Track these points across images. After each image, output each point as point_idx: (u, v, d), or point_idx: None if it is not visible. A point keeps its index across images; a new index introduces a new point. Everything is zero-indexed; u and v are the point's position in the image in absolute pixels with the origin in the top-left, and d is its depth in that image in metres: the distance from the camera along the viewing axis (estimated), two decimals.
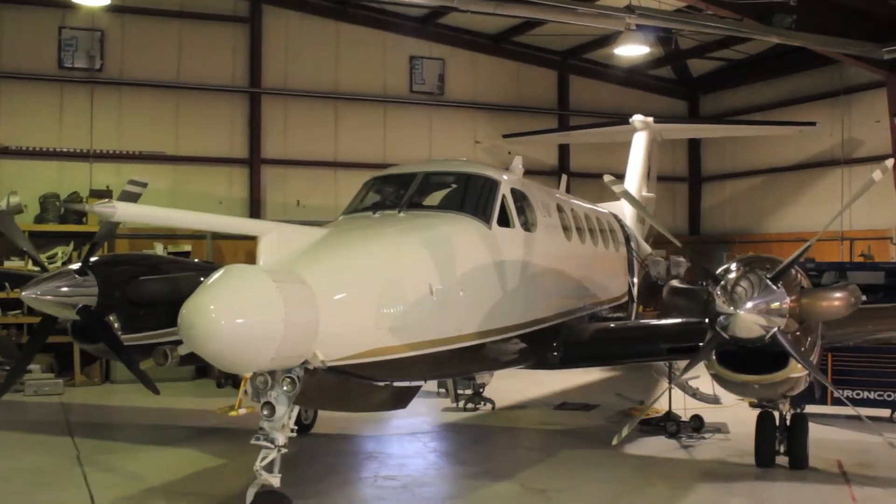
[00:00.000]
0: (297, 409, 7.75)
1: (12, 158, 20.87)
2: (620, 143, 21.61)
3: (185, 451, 12.85)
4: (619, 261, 15.64)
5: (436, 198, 10.72)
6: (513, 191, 10.98)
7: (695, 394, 15.32)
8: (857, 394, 14.93)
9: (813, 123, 22.08)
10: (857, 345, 14.53)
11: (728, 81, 27.71)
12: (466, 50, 25.62)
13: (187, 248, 20.77)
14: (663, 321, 13.23)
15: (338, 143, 24.02)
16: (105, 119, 21.57)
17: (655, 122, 21.39)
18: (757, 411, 12.07)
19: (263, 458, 7.60)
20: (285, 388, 7.55)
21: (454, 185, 10.79)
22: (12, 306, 19.19)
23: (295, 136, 23.63)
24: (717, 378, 9.46)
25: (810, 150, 24.67)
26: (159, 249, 20.28)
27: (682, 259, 16.61)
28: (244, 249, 20.62)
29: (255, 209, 22.62)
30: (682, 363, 10.60)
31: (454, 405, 16.35)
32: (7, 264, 18.86)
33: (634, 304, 16.02)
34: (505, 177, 11.02)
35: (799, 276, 8.97)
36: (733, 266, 8.90)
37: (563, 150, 26.82)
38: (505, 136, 24.52)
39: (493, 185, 10.59)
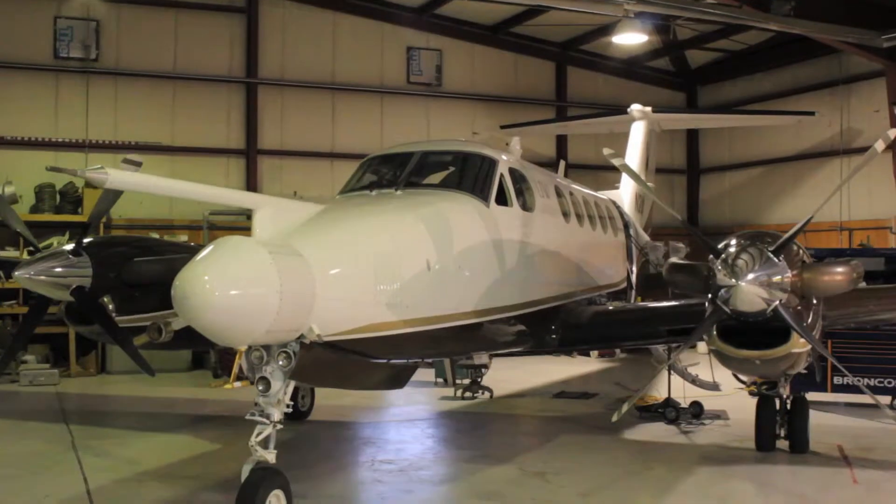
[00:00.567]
0: (292, 384, 7.61)
1: (8, 148, 20.75)
2: (618, 135, 21.49)
3: (181, 436, 12.77)
4: (617, 247, 15.55)
5: (433, 177, 10.61)
6: (511, 170, 10.89)
7: (694, 380, 15.25)
8: (858, 381, 14.81)
9: (812, 113, 22.01)
10: (856, 332, 14.48)
11: (726, 72, 27.60)
12: (464, 41, 25.49)
13: (184, 238, 20.65)
14: (663, 303, 13.15)
15: (335, 134, 23.91)
16: (101, 109, 21.45)
17: (654, 111, 21.31)
18: (756, 399, 12.02)
19: (258, 434, 7.48)
20: (281, 363, 7.42)
21: (452, 164, 10.69)
22: (7, 297, 19.11)
23: (292, 126, 23.51)
24: (717, 355, 9.34)
25: (809, 140, 24.59)
26: None
27: (681, 245, 16.51)
28: None
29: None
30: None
31: (452, 395, 16.26)
32: (1, 254, 18.73)
33: (633, 292, 15.92)
34: (504, 157, 10.93)
35: (801, 251, 8.88)
36: (734, 240, 8.80)
37: (561, 142, 26.71)
38: (502, 127, 24.38)
39: (491, 163, 10.50)
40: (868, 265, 15.88)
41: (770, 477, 10.63)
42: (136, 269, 10.85)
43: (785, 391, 11.67)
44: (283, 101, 23.48)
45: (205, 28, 22.73)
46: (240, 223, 20.23)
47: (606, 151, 9.76)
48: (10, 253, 18.75)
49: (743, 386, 16.46)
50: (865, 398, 14.74)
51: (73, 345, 19.10)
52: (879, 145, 8.50)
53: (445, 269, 8.83)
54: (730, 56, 26.97)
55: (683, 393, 14.50)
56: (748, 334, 8.90)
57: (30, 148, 20.91)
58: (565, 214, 12.62)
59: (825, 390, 14.92)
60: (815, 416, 12.14)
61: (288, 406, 7.61)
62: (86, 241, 10.86)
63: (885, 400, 14.80)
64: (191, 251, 11.52)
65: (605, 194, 16.85)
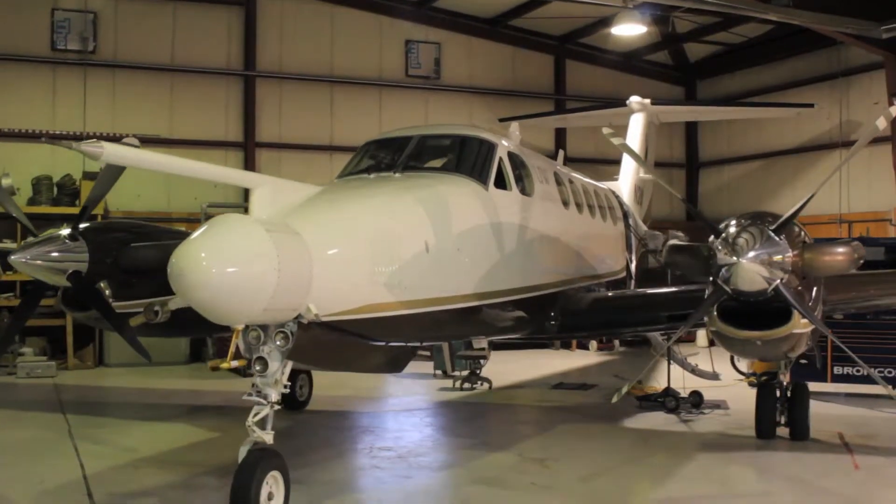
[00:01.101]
0: (290, 365, 7.54)
1: (5, 141, 20.65)
2: (617, 127, 21.35)
3: (179, 425, 12.72)
4: (617, 236, 15.49)
5: (432, 160, 10.52)
6: (510, 154, 10.84)
7: (694, 370, 15.21)
8: (858, 370, 14.80)
9: (811, 105, 21.95)
10: (857, 321, 14.43)
11: (725, 66, 27.52)
12: (462, 34, 25.42)
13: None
14: (662, 289, 13.09)
15: (333, 126, 23.84)
16: (98, 102, 21.35)
17: (653, 104, 21.23)
18: (756, 389, 11.97)
19: (256, 415, 7.41)
20: (278, 342, 7.36)
21: (451, 148, 10.59)
22: (4, 289, 19.03)
23: (290, 119, 23.44)
24: (718, 336, 9.28)
25: (808, 133, 24.53)
26: None
27: (680, 234, 16.47)
28: None
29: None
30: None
31: (451, 386, 16.21)
32: None
33: (633, 282, 15.86)
34: (503, 141, 10.88)
35: (801, 232, 8.82)
36: (734, 220, 8.74)
37: (560, 136, 26.67)
38: (501, 120, 24.27)
39: (490, 147, 10.44)
40: (868, 255, 15.90)
41: (771, 462, 10.59)
42: (134, 254, 10.77)
43: (785, 378, 11.63)
44: (282, 93, 23.41)
45: (203, 20, 22.65)
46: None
47: (606, 131, 9.69)
48: (8, 245, 18.67)
49: (742, 377, 16.46)
50: (865, 388, 14.81)
51: (70, 337, 19.01)
52: (881, 122, 8.43)
53: (444, 251, 8.77)
54: (729, 49, 26.88)
55: (683, 384, 14.47)
56: (749, 317, 8.85)
57: (27, 140, 20.79)
58: (565, 201, 12.56)
59: (825, 380, 14.89)
60: (815, 406, 12.10)
61: (285, 387, 7.52)
62: (82, 225, 10.78)
63: (885, 390, 14.77)
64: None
65: (604, 185, 16.78)
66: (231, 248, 6.58)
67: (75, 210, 18.86)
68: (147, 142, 21.29)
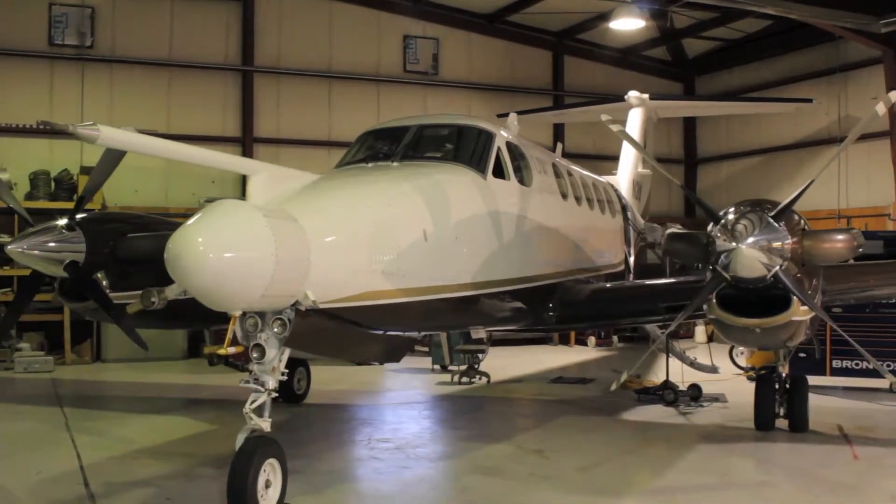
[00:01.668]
0: (287, 352, 7.49)
1: (2, 135, 20.62)
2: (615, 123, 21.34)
3: (176, 418, 12.70)
4: (615, 229, 15.46)
5: (430, 150, 10.47)
6: (508, 144, 10.81)
7: (692, 363, 15.18)
8: (857, 364, 14.81)
9: (809, 100, 21.88)
10: (856, 315, 14.40)
11: (724, 62, 27.53)
12: (461, 29, 25.42)
13: None
14: (661, 280, 13.05)
15: (331, 122, 23.82)
16: (96, 96, 21.32)
17: (651, 98, 21.19)
18: (755, 382, 11.94)
19: (253, 402, 7.35)
20: (276, 329, 7.30)
21: (449, 137, 10.54)
22: (2, 284, 18.98)
23: (288, 115, 23.43)
24: (716, 324, 9.23)
25: (807, 129, 24.53)
26: None
27: (678, 227, 16.43)
28: None
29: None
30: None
31: (449, 380, 16.19)
32: None
33: (631, 276, 15.83)
34: (502, 131, 10.85)
35: (801, 220, 8.78)
36: (733, 207, 8.70)
37: (558, 132, 26.61)
38: (499, 116, 24.22)
39: (488, 136, 10.41)
40: (867, 248, 15.88)
41: (770, 453, 10.56)
42: (131, 244, 10.74)
43: (784, 370, 11.60)
44: (280, 89, 23.40)
45: (201, 15, 22.63)
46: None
47: (605, 118, 9.66)
48: (5, 240, 18.61)
49: (741, 372, 16.46)
50: (864, 381, 14.79)
51: (67, 332, 18.98)
52: (881, 108, 8.40)
53: (442, 240, 8.73)
54: (727, 45, 26.89)
55: (682, 377, 14.45)
56: (748, 306, 8.81)
57: (24, 135, 20.77)
58: (563, 193, 12.52)
59: (824, 373, 14.86)
60: (814, 399, 12.04)
61: (283, 374, 7.48)
62: (79, 216, 10.73)
63: (884, 384, 14.76)
64: None
65: (603, 178, 16.74)
66: (228, 233, 6.53)
67: (72, 205, 18.87)
68: None
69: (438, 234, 8.65)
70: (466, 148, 10.16)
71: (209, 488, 8.50)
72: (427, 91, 25.01)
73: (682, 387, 13.95)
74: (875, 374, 14.27)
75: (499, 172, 10.31)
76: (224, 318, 7.17)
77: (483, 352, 16.25)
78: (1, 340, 12.20)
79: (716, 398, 14.07)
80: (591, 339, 22.93)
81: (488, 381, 16.12)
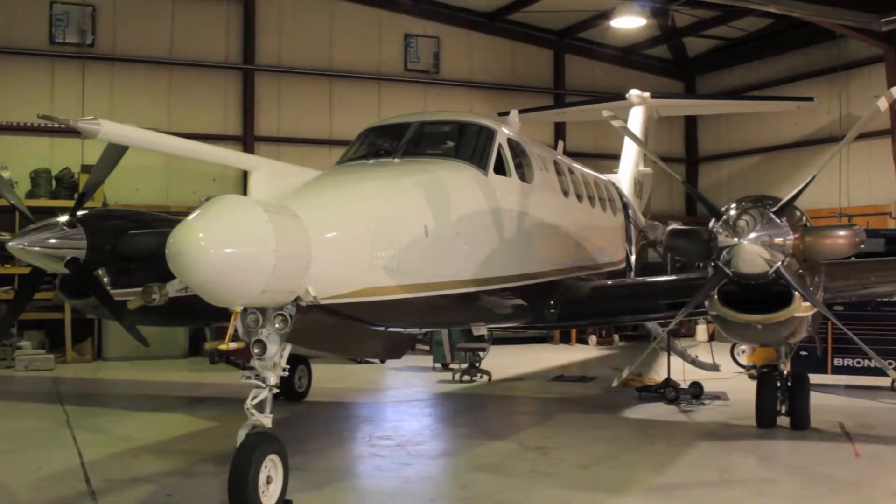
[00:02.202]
0: (288, 348, 7.48)
1: (3, 134, 20.62)
2: None
3: (177, 415, 12.68)
4: (616, 227, 15.46)
5: (432, 146, 10.46)
6: (510, 141, 10.81)
7: (694, 361, 15.17)
8: (858, 362, 14.80)
9: (811, 98, 21.85)
10: (858, 313, 14.37)
11: (725, 61, 27.50)
12: (462, 28, 25.42)
13: None
14: (662, 277, 13.04)
15: (332, 120, 23.82)
16: (97, 94, 21.30)
17: (652, 97, 21.18)
18: (757, 380, 11.93)
19: (254, 398, 7.34)
20: (277, 325, 7.29)
21: (450, 134, 10.54)
22: (3, 283, 18.97)
23: (289, 113, 23.42)
24: (718, 320, 9.22)
25: (808, 127, 24.52)
26: None
27: (678, 224, 16.40)
28: None
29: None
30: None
31: (451, 378, 16.18)
32: None
33: (632, 274, 15.82)
34: (503, 128, 10.84)
35: (803, 216, 8.77)
36: (735, 203, 8.68)
37: (559, 130, 26.60)
38: (500, 115, 24.22)
39: (489, 133, 10.41)
40: (868, 246, 15.87)
41: (771, 451, 10.54)
42: (132, 241, 10.72)
43: (785, 368, 11.59)
44: (281, 87, 23.39)
45: (201, 14, 22.62)
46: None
47: (606, 113, 9.65)
48: (6, 237, 18.60)
49: (743, 370, 16.46)
50: (866, 380, 14.79)
51: (68, 330, 18.97)
52: (882, 103, 8.38)
53: (443, 236, 8.73)
54: (728, 44, 26.86)
55: (683, 376, 14.44)
56: (750, 302, 8.79)
57: (25, 133, 20.78)
58: (565, 191, 12.52)
59: (825, 371, 14.85)
60: (815, 397, 12.04)
61: (284, 370, 7.47)
62: (80, 212, 10.72)
63: (886, 381, 14.77)
64: None
65: (604, 177, 16.74)
66: (229, 228, 6.52)
67: (73, 203, 18.90)
68: None
69: (440, 231, 8.64)
70: (468, 144, 10.16)
71: (210, 485, 8.49)
72: (428, 90, 25.00)
73: (684, 385, 13.95)
74: (876, 371, 14.28)
75: (500, 169, 10.31)
76: (225, 314, 7.15)
77: (484, 350, 16.25)
78: (2, 338, 12.13)
79: (717, 396, 14.07)
80: (593, 338, 22.93)
81: (489, 380, 16.12)
